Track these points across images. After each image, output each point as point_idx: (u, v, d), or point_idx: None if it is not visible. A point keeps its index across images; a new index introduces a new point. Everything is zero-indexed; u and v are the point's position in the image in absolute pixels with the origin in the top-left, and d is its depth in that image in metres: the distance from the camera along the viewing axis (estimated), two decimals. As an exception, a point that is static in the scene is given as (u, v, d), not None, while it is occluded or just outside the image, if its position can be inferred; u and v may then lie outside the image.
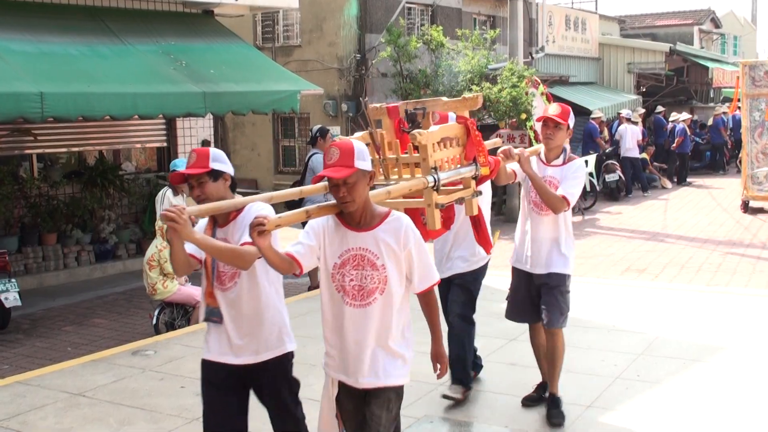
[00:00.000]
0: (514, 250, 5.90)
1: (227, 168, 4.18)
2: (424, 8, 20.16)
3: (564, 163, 5.62)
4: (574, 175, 5.54)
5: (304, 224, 3.90)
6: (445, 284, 6.06)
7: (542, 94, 16.51)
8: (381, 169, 4.35)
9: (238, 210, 4.13)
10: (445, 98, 4.59)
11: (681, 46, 28.00)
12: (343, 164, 3.55)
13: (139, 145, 13.24)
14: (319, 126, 10.82)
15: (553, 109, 5.58)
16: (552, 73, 23.32)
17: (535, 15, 21.62)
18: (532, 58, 20.75)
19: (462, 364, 6.10)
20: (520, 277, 5.85)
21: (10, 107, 8.88)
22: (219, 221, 4.17)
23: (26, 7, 10.98)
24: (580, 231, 15.06)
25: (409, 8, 19.60)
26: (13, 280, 9.15)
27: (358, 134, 4.50)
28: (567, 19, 25.55)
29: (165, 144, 13.30)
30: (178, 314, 8.69)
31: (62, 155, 12.93)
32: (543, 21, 22.44)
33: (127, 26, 11.55)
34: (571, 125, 5.59)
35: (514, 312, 6.01)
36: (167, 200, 9.33)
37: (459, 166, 4.45)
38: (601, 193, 19.01)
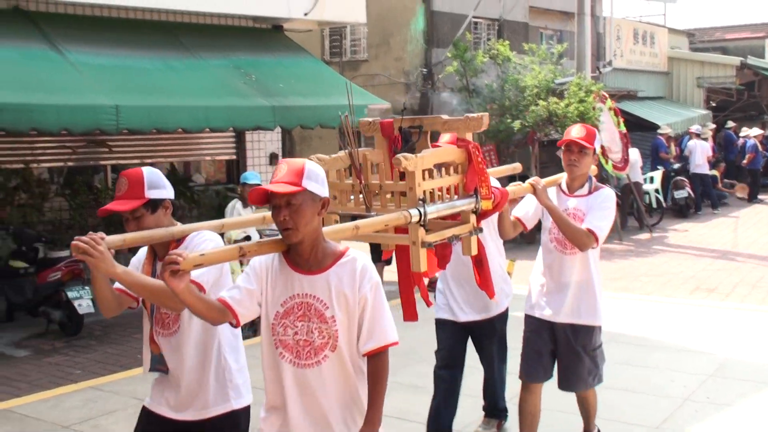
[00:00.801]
0: (529, 295, 5.11)
1: (167, 193, 3.53)
2: (491, 23, 20.14)
3: (590, 192, 4.90)
4: (602, 205, 4.81)
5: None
6: (459, 331, 5.50)
7: (610, 109, 16.31)
8: (362, 198, 3.75)
9: (179, 240, 3.49)
10: (445, 116, 4.00)
11: (752, 60, 27.41)
12: (288, 181, 2.95)
13: (208, 158, 13.44)
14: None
15: (577, 132, 4.85)
16: (620, 88, 23.04)
17: (602, 29, 21.42)
18: (600, 72, 20.54)
19: (492, 395, 5.78)
20: (537, 326, 5.04)
21: (87, 120, 9.11)
22: (159, 254, 3.56)
23: (103, 22, 11.30)
24: (647, 248, 14.83)
25: (476, 23, 19.59)
26: (86, 287, 9.34)
27: (336, 155, 3.85)
28: (635, 32, 25.24)
29: (234, 156, 13.44)
30: (245, 324, 8.77)
31: (133, 166, 13.15)
32: (611, 35, 22.20)
33: (199, 41, 11.77)
34: (598, 149, 4.92)
35: (531, 368, 5.06)
36: (236, 212, 9.52)
37: (457, 197, 3.81)
38: (670, 210, 18.68)
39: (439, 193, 3.70)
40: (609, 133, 15.51)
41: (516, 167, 4.99)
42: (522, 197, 4.94)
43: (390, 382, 3.12)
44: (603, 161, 15.57)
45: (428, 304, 3.91)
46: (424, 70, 18.17)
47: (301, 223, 2.95)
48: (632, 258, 13.73)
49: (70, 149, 11.35)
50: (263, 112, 10.69)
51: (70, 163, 11.69)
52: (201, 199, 12.83)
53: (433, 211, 3.56)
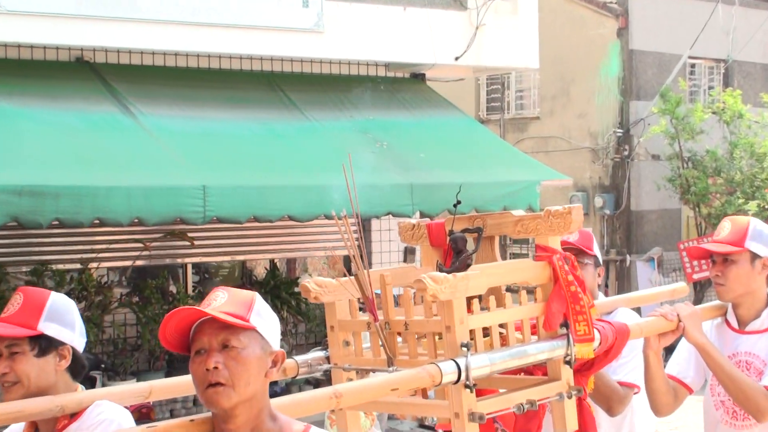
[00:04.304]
0: None
1: (71, 337, 3.28)
2: (714, 65, 19.99)
3: None
4: None
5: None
6: None
7: None
8: (381, 343, 3.48)
9: (72, 415, 3.20)
10: (519, 212, 3.74)
11: None
12: (232, 312, 2.71)
13: (321, 253, 13.64)
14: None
15: (719, 233, 4.37)
16: None
17: None
18: None
19: None
20: None
21: (166, 206, 9.38)
22: (41, 429, 3.30)
23: (186, 75, 11.74)
24: None
25: (692, 65, 19.55)
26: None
27: (346, 278, 3.60)
28: None
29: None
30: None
31: (224, 265, 13.46)
32: None
33: (312, 97, 12.05)
34: (763, 252, 4.30)
35: None
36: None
37: (536, 338, 3.52)
38: None
39: (502, 332, 3.40)
40: None
41: (677, 290, 4.65)
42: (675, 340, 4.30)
43: None
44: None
45: None
46: (619, 130, 18.27)
47: (242, 378, 2.66)
48: None
49: (141, 244, 11.64)
50: (397, 193, 10.83)
51: (139, 262, 12.02)
52: (310, 310, 12.93)
53: (485, 364, 3.21)
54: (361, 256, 3.41)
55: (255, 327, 2.70)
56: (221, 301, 2.73)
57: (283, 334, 12.95)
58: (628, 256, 18.04)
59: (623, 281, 18.26)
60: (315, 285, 3.60)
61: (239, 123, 11.22)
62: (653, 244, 18.27)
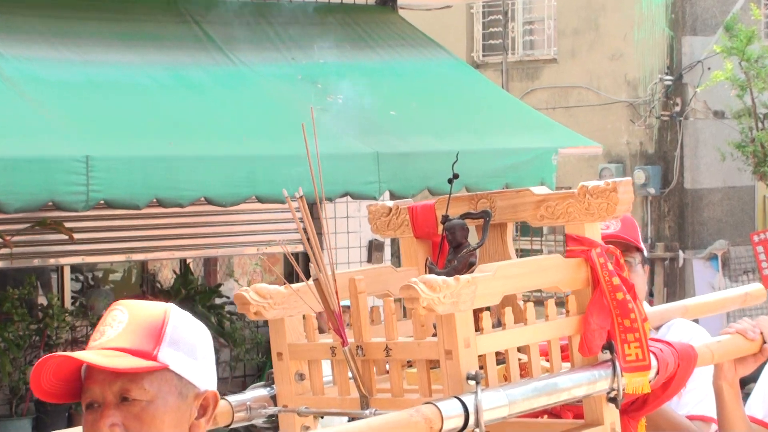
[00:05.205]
0: None
1: None
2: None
3: None
4: None
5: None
6: None
7: None
8: (351, 375, 3.48)
9: None
10: (543, 189, 3.74)
11: None
12: (130, 348, 2.51)
13: (254, 250, 13.58)
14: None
15: None
16: None
17: None
18: None
19: None
20: None
21: (34, 185, 9.37)
22: None
23: (62, 1, 11.61)
24: None
25: (767, -11, 19.68)
26: None
27: (299, 284, 3.60)
28: None
29: (299, 247, 13.03)
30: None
31: (115, 267, 13.57)
32: None
33: (238, 32, 11.98)
34: None
35: None
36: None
37: (569, 365, 3.55)
38: None
39: (522, 359, 3.46)
40: None
41: (751, 294, 4.57)
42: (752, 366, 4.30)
43: None
44: None
45: None
46: (668, 78, 18.16)
47: None
48: None
49: (-1, 239, 11.75)
50: (358, 165, 10.89)
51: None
52: (236, 329, 13.10)
53: (501, 403, 3.20)
54: (314, 252, 3.34)
55: (167, 365, 2.51)
56: (117, 329, 2.53)
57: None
58: (681, 252, 18.04)
59: (674, 287, 18.33)
60: (256, 295, 3.45)
61: (136, 69, 11.24)
62: (716, 236, 18.25)
